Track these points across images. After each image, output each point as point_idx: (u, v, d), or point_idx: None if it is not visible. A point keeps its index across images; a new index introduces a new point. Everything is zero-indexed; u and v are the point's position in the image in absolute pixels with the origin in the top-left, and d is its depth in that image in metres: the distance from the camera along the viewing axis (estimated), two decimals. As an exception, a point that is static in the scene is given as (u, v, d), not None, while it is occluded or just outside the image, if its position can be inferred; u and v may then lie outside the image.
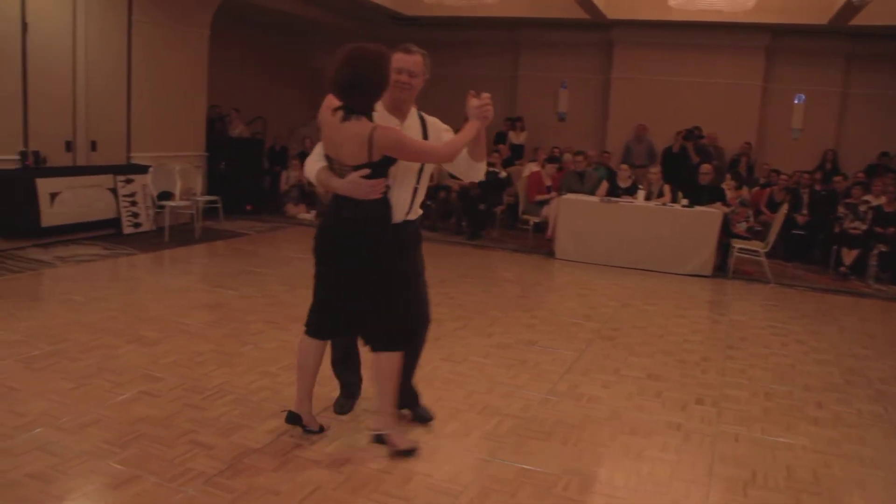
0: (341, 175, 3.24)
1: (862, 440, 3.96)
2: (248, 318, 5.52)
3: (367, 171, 3.17)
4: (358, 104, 3.17)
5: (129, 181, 8.79)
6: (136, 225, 8.80)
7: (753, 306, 7.11)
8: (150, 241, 8.41)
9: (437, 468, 3.32)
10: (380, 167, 3.20)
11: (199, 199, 9.32)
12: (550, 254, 8.87)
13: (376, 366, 3.39)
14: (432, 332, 3.83)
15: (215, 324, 5.32)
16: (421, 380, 4.04)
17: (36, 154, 8.24)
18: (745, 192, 9.19)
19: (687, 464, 3.53)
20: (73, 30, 8.63)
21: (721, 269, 8.38)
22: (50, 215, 7.79)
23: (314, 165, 3.40)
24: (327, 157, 3.32)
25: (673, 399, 4.38)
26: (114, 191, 8.63)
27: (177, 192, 9.07)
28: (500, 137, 13.38)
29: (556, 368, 4.79)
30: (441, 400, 4.10)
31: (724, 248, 8.42)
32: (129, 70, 9.42)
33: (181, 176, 9.36)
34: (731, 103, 12.51)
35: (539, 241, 9.48)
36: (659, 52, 12.73)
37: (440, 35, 14.18)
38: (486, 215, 10.21)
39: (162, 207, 8.79)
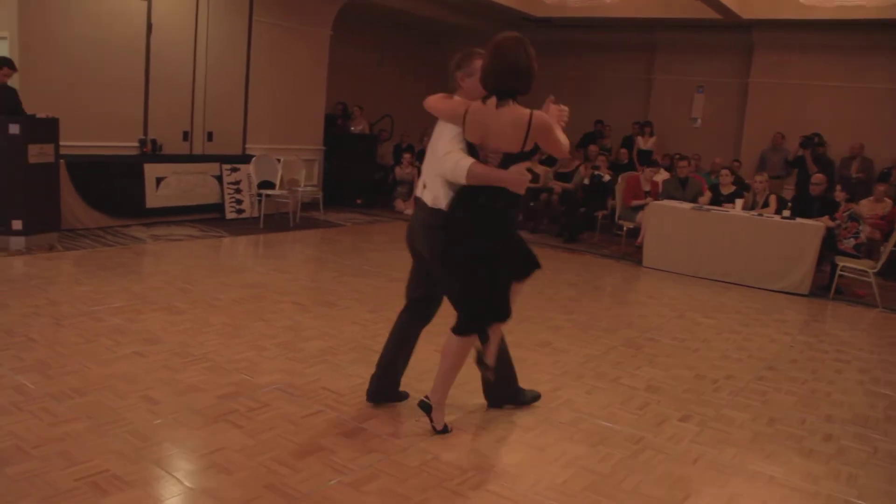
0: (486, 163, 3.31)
1: (851, 480, 3.51)
2: (279, 298, 5.84)
3: (527, 165, 3.32)
4: (513, 90, 3.26)
5: (234, 169, 9.52)
6: (239, 211, 9.52)
7: (837, 330, 6.43)
8: (246, 226, 9.07)
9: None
10: (528, 155, 3.30)
11: (299, 189, 9.89)
12: (639, 261, 8.53)
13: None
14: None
15: (243, 301, 5.68)
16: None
17: (153, 142, 9.18)
18: (862, 205, 8.29)
19: (614, 478, 3.33)
20: (195, 30, 9.51)
21: (826, 288, 7.63)
22: (154, 198, 8.65)
23: (458, 160, 3.29)
24: (472, 147, 3.35)
25: (655, 413, 4.12)
26: (219, 178, 9.39)
27: (277, 182, 9.69)
28: (627, 142, 12.98)
29: (551, 370, 4.66)
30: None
31: (831, 266, 7.66)
32: (248, 67, 10.21)
33: (285, 167, 9.99)
34: (886, 110, 11.29)
35: (631, 248, 9.13)
36: (801, 55, 11.76)
37: (573, 36, 14.03)
38: (585, 219, 9.99)
39: (262, 196, 9.45)
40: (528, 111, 3.26)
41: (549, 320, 5.83)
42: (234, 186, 9.50)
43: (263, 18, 10.22)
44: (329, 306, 5.76)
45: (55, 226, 7.16)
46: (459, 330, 3.48)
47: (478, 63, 3.43)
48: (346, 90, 12.85)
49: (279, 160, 9.92)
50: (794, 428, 4.07)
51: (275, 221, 9.45)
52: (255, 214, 9.58)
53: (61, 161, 7.51)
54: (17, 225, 6.74)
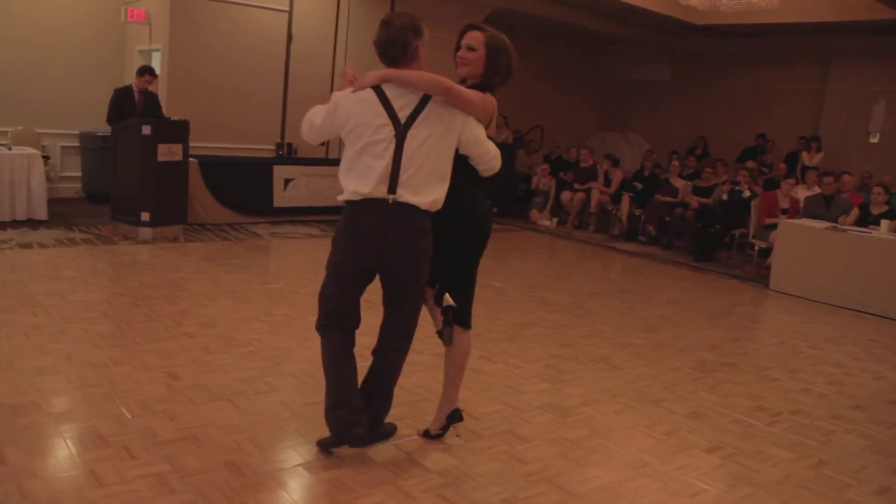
0: None
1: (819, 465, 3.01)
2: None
3: None
4: None
5: (363, 174, 9.91)
6: (366, 214, 9.90)
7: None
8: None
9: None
10: None
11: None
12: (768, 284, 7.83)
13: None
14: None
15: (305, 294, 5.84)
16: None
17: (289, 146, 9.81)
18: None
19: (586, 499, 3.09)
20: (335, 40, 10.07)
21: None
22: (281, 198, 9.21)
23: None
24: None
25: (680, 440, 3.77)
26: (348, 182, 9.82)
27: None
28: (791, 158, 11.97)
29: (590, 386, 4.42)
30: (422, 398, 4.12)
31: None
32: (388, 77, 10.59)
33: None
34: None
35: (762, 270, 8.39)
36: None
37: (738, 44, 13.22)
38: (720, 237, 9.34)
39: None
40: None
41: (621, 336, 5.52)
42: (361, 190, 9.88)
43: (403, 28, 10.56)
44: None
45: (181, 219, 7.84)
46: (467, 323, 3.37)
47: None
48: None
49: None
50: (843, 475, 3.55)
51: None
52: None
53: (195, 160, 8.26)
54: (145, 216, 7.47)
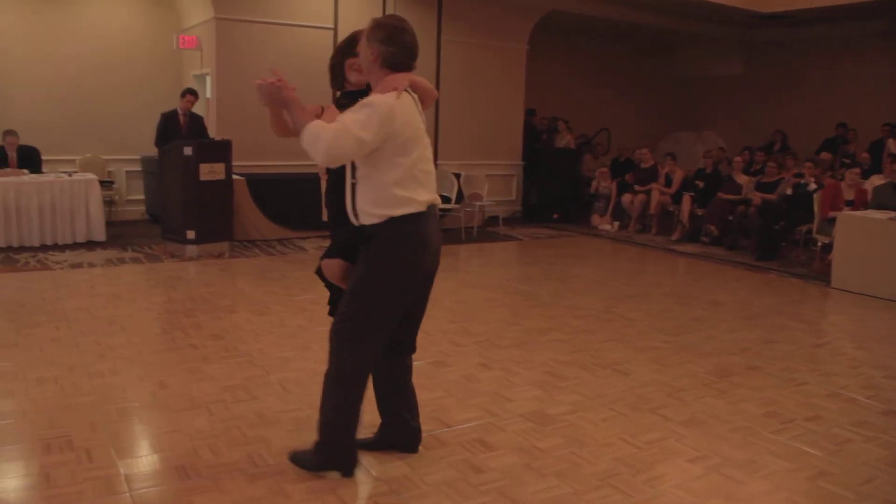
0: None
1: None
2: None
3: None
4: None
5: (413, 185, 9.93)
6: (418, 225, 9.89)
7: None
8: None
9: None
10: None
11: (478, 204, 10.02)
12: (829, 281, 7.31)
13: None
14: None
15: (325, 305, 5.87)
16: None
17: (342, 160, 9.94)
18: None
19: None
20: (382, 53, 10.14)
21: None
22: (331, 211, 9.33)
23: None
24: None
25: (662, 449, 3.52)
26: (398, 193, 9.86)
27: (453, 196, 9.91)
28: (876, 146, 11.16)
29: (585, 392, 4.21)
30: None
31: None
32: (437, 86, 10.62)
33: (467, 182, 10.20)
34: None
35: (824, 266, 7.82)
36: None
37: (812, 31, 12.50)
38: (781, 234, 8.79)
39: (446, 210, 9.75)
40: None
41: (644, 340, 5.25)
42: (413, 201, 9.90)
43: (453, 37, 10.58)
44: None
45: (227, 236, 8.07)
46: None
47: None
48: (555, 105, 12.75)
49: (458, 175, 10.14)
50: (843, 488, 3.21)
51: (448, 235, 9.66)
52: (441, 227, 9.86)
53: (242, 178, 8.50)
54: (190, 234, 7.74)
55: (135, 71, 9.84)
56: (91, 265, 7.15)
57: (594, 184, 11.30)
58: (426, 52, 10.48)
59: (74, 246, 7.99)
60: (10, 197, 7.70)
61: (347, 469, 3.11)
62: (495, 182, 11.07)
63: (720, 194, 9.57)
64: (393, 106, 2.84)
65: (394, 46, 2.95)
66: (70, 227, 8.05)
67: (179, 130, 8.09)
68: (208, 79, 9.41)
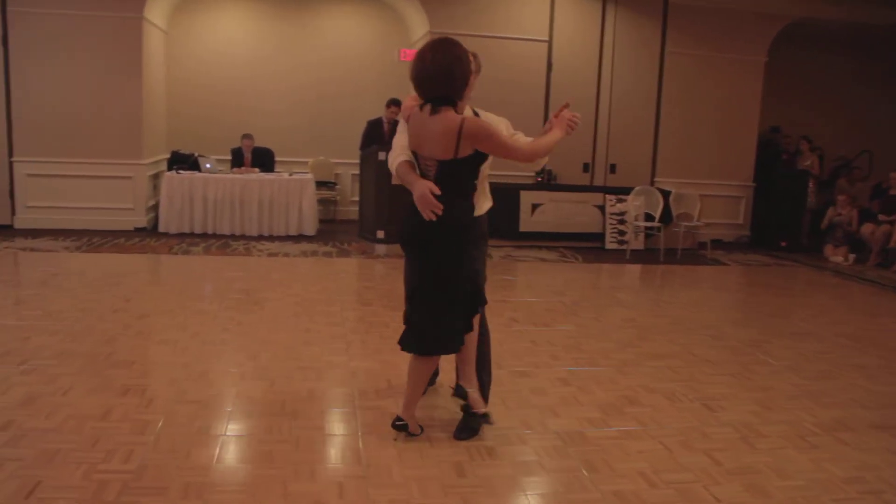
0: (425, 172, 3.29)
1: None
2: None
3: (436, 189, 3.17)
4: (444, 97, 3.20)
5: (620, 200, 9.65)
6: (622, 242, 9.58)
7: None
8: (613, 256, 9.12)
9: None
10: (463, 163, 3.21)
11: (686, 224, 9.44)
12: None
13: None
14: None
15: (384, 313, 5.82)
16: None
17: (549, 173, 10.01)
18: None
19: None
20: (599, 66, 10.05)
21: None
22: (528, 223, 9.43)
23: (393, 158, 3.45)
24: (413, 154, 3.35)
25: (682, 469, 3.15)
26: (602, 208, 9.65)
27: (657, 215, 9.43)
28: None
29: (643, 420, 3.88)
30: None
31: None
32: (659, 99, 10.24)
33: (679, 201, 9.67)
34: None
35: None
36: None
37: None
38: None
39: (649, 229, 9.37)
40: (459, 118, 3.17)
41: (765, 380, 4.63)
42: (618, 217, 9.62)
43: (679, 49, 10.12)
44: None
45: (414, 237, 8.53)
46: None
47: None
48: (802, 122, 11.52)
49: (668, 193, 9.64)
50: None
51: (649, 255, 9.24)
52: (641, 247, 9.51)
53: (438, 185, 8.94)
54: (380, 234, 8.35)
55: (363, 81, 10.81)
56: (286, 255, 8.04)
57: (830, 211, 9.99)
58: (647, 64, 10.15)
59: (285, 238, 9.02)
60: (236, 191, 8.95)
61: None
62: (717, 203, 10.34)
63: None
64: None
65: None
66: (284, 221, 9.11)
67: (382, 137, 8.76)
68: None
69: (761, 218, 10.71)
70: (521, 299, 6.70)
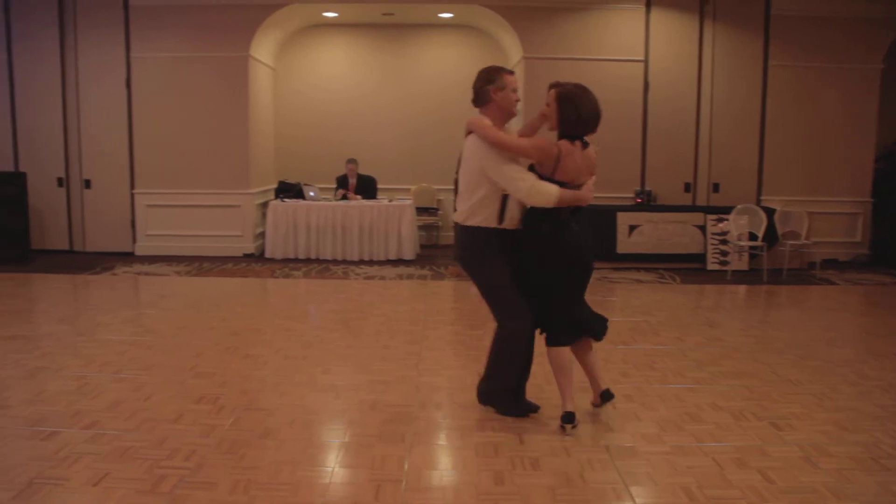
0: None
1: None
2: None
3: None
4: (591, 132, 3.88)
5: (721, 220, 9.38)
6: (724, 262, 9.29)
7: None
8: (713, 277, 8.86)
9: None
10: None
11: (790, 242, 9.05)
12: None
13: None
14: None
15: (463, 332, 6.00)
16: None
17: (648, 193, 9.88)
18: None
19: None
20: (698, 83, 9.87)
21: None
22: (625, 244, 9.32)
23: (536, 184, 3.70)
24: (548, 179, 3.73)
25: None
26: (703, 228, 9.40)
27: (761, 234, 9.08)
28: None
29: (698, 437, 3.81)
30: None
31: None
32: (763, 115, 9.92)
33: (784, 219, 9.29)
34: None
35: None
36: None
37: None
38: None
39: (753, 249, 9.07)
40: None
41: (849, 400, 4.39)
42: (720, 237, 9.35)
43: (783, 62, 9.78)
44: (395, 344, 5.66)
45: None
46: (551, 340, 3.89)
47: (508, 79, 3.97)
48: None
49: (771, 210, 9.28)
50: None
51: (751, 276, 8.91)
52: (746, 267, 9.18)
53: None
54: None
55: (463, 108, 10.99)
56: (382, 278, 8.34)
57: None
58: (750, 79, 9.88)
59: (384, 262, 9.35)
60: (338, 218, 9.38)
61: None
62: (832, 221, 9.85)
63: None
64: None
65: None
66: (383, 246, 9.46)
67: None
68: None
69: (882, 235, 10.10)
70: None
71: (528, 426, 3.88)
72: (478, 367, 4.75)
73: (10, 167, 9.66)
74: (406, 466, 3.37)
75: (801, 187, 9.89)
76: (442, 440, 3.70)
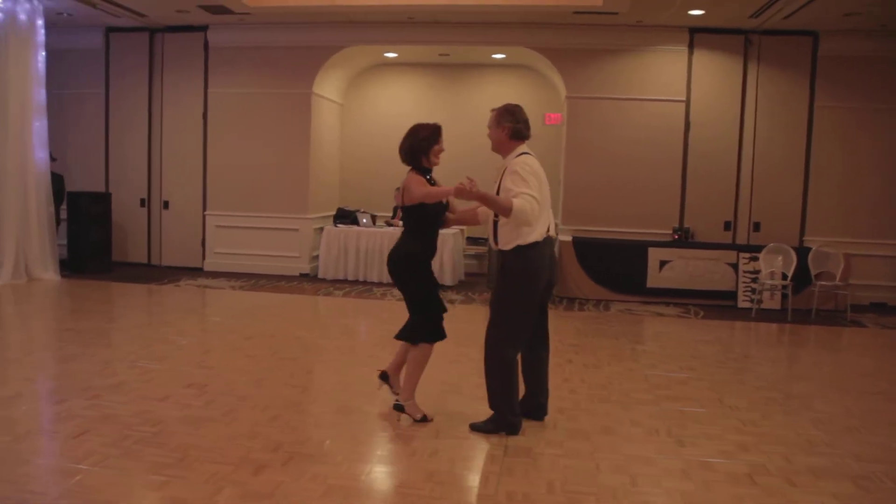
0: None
1: None
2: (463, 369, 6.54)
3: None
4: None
5: (753, 259, 9.60)
6: (755, 301, 9.48)
7: None
8: (738, 314, 9.10)
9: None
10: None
11: (821, 283, 9.16)
12: None
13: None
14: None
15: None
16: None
17: (686, 231, 10.23)
18: None
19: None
20: (741, 123, 10.17)
21: None
22: (655, 279, 9.70)
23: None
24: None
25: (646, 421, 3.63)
26: (735, 266, 9.65)
27: (790, 273, 9.22)
28: None
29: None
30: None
31: None
32: (808, 156, 10.09)
33: (819, 259, 9.41)
34: None
35: None
36: None
37: None
38: None
39: (780, 287, 9.26)
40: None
41: (696, 402, 4.78)
42: (751, 275, 9.57)
43: (830, 103, 9.95)
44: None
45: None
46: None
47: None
48: None
49: (805, 250, 9.42)
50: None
51: (777, 314, 9.08)
52: (779, 307, 9.36)
53: (569, 240, 9.63)
54: (499, 283, 9.14)
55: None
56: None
57: None
58: (795, 119, 10.08)
59: (426, 286, 10.10)
60: (385, 243, 10.23)
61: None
62: (880, 264, 9.87)
63: None
64: (530, 163, 4.29)
65: (520, 123, 4.48)
66: (438, 272, 10.20)
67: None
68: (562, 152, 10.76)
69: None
70: (589, 341, 7.11)
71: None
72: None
73: (101, 188, 11.12)
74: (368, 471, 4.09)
75: (848, 229, 9.96)
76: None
